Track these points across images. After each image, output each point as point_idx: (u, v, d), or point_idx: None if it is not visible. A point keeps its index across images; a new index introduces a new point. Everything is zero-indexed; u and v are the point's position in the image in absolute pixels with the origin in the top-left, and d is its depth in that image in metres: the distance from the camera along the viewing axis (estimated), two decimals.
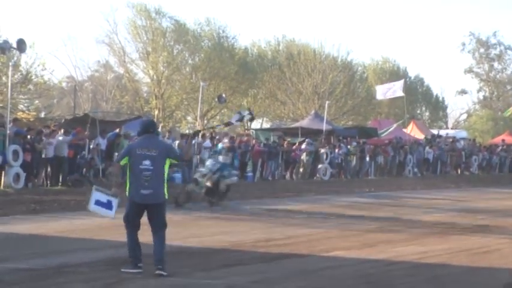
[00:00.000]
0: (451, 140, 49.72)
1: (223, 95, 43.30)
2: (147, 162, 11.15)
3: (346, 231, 17.49)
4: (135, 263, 11.33)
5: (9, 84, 29.49)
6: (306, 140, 39.28)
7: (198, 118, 45.12)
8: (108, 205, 11.58)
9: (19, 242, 14.75)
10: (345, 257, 13.61)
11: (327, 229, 17.95)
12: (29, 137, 27.78)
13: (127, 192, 11.34)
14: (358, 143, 42.13)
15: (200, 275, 11.50)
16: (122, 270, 11.33)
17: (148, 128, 11.61)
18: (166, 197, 11.49)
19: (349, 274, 12.08)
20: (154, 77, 63.62)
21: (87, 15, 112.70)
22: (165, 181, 11.44)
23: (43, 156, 28.04)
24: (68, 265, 11.89)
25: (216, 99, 44.69)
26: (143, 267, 11.33)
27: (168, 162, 11.41)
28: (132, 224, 11.35)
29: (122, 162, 11.39)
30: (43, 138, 28.01)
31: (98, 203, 11.59)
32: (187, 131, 45.92)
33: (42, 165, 28.18)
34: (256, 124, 70.53)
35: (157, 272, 11.12)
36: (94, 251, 13.54)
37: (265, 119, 74.40)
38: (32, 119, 38.51)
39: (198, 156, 32.89)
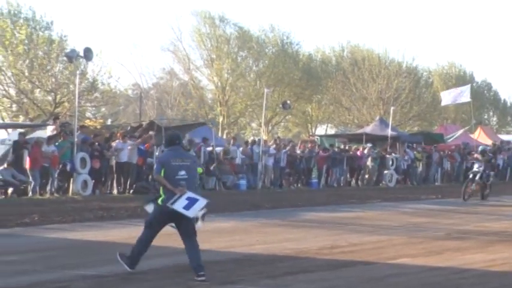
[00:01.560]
0: None
1: (288, 102, 43.41)
2: (182, 172, 11.57)
3: (412, 239, 17.32)
4: (133, 264, 11.79)
5: (77, 92, 29.93)
6: (368, 145, 39.13)
7: (262, 125, 45.21)
8: (194, 201, 11.59)
9: (87, 249, 14.92)
10: (411, 265, 13.46)
11: (393, 236, 17.80)
12: (96, 144, 28.13)
13: (159, 201, 11.63)
14: (424, 149, 41.76)
15: (266, 283, 11.48)
16: (117, 255, 11.91)
17: (175, 140, 12.07)
18: None
19: (415, 282, 11.94)
20: (219, 83, 63.90)
21: (152, 23, 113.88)
22: (197, 188, 11.99)
23: (111, 163, 28.38)
24: (135, 272, 11.96)
25: (281, 106, 44.73)
26: (208, 274, 11.35)
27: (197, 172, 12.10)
28: (153, 230, 11.87)
29: (161, 174, 11.69)
30: (111, 145, 28.36)
31: (189, 199, 11.56)
32: (251, 138, 45.89)
33: (110, 172, 28.52)
34: (320, 130, 70.54)
35: (199, 279, 11.20)
36: (161, 257, 13.59)
37: (329, 125, 74.20)
38: (98, 127, 39.02)
39: (263, 162, 32.95)
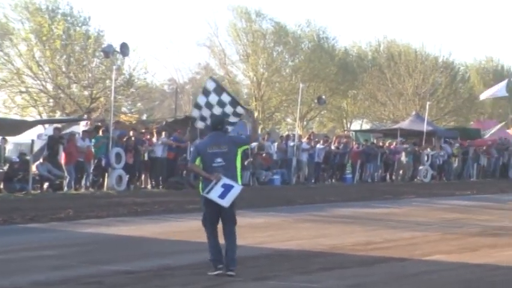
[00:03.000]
0: None
1: (323, 97, 43.33)
2: (219, 159, 11.24)
3: (446, 235, 17.22)
4: (215, 265, 11.32)
5: (113, 87, 30.03)
6: (400, 139, 39.01)
7: (297, 120, 45.12)
8: (229, 187, 11.44)
9: (120, 244, 14.98)
10: (445, 261, 13.36)
11: (427, 232, 17.70)
12: (133, 138, 28.25)
13: (201, 191, 11.35)
14: (461, 144, 41.47)
15: (299, 278, 11.45)
16: (208, 273, 11.32)
17: (217, 125, 11.71)
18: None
19: (449, 279, 11.86)
20: (254, 78, 63.89)
21: (188, 19, 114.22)
22: (239, 174, 11.50)
23: (145, 158, 28.52)
24: (168, 267, 12.01)
25: (316, 101, 44.64)
26: (241, 269, 11.36)
27: (239, 153, 11.49)
28: (210, 226, 11.43)
29: (197, 163, 11.42)
30: (145, 140, 28.48)
31: (225, 185, 11.40)
32: (286, 133, 45.85)
33: (144, 167, 28.65)
34: (355, 125, 70.32)
35: (229, 272, 11.13)
36: (194, 253, 13.62)
37: (364, 120, 73.95)
38: (134, 122, 39.17)
39: (295, 158, 32.88)
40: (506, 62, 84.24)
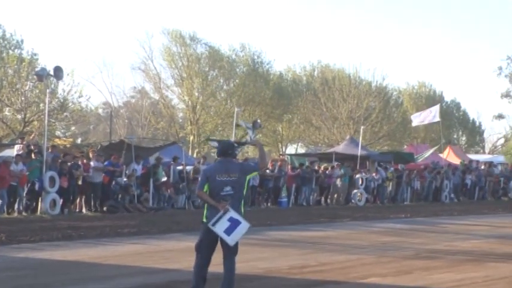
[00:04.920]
0: (487, 165, 49.26)
1: (258, 121, 43.38)
2: (227, 188, 10.85)
3: (382, 258, 17.34)
4: None
5: (46, 111, 29.71)
6: (335, 163, 39.26)
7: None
8: (236, 223, 10.92)
9: (55, 269, 14.77)
10: (381, 284, 13.47)
11: (363, 255, 17.81)
12: (68, 164, 27.95)
13: (204, 218, 11.00)
14: (396, 168, 41.92)
15: None
16: None
17: (227, 150, 11.21)
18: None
19: None
20: (189, 102, 63.93)
21: (122, 42, 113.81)
22: (242, 202, 11.14)
23: (79, 182, 28.24)
24: None
25: (251, 125, 44.75)
26: None
27: (247, 181, 11.14)
28: (204, 254, 11.03)
29: (205, 190, 10.98)
30: (80, 164, 28.23)
31: (231, 220, 10.82)
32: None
33: (78, 191, 28.38)
34: (291, 149, 70.65)
35: None
36: (130, 277, 13.54)
37: (300, 144, 74.39)
38: (68, 145, 38.82)
39: None
40: (438, 87, 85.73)
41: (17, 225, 22.31)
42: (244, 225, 10.91)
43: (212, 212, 10.83)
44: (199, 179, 11.61)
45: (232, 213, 10.79)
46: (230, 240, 10.82)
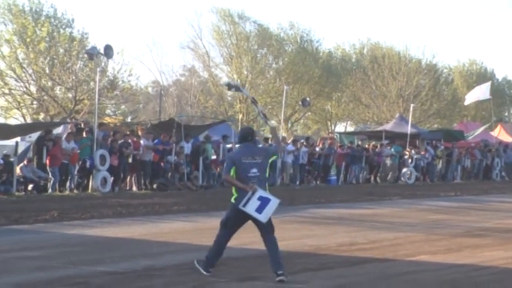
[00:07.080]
0: None
1: (307, 99, 43.32)
2: (254, 169, 11.18)
3: (431, 236, 17.26)
4: (207, 267, 11.32)
5: (97, 89, 29.96)
6: (385, 141, 39.08)
7: (281, 122, 45.15)
8: (266, 201, 11.20)
9: (106, 246, 14.95)
10: (430, 262, 13.41)
11: (412, 233, 17.75)
12: (118, 142, 28.19)
13: (233, 200, 11.24)
14: (445, 146, 41.62)
15: None
16: (195, 262, 11.44)
17: (248, 136, 11.60)
18: None
19: (434, 279, 11.90)
20: (238, 81, 63.93)
21: (171, 21, 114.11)
22: (267, 185, 11.47)
23: (129, 160, 28.49)
24: (154, 268, 12.01)
25: (300, 103, 44.68)
26: (226, 270, 11.37)
27: (268, 164, 11.51)
28: (229, 229, 11.37)
29: (232, 174, 11.29)
30: (130, 142, 28.44)
31: (261, 198, 11.08)
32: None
33: (128, 169, 28.62)
34: (340, 127, 70.46)
35: (278, 278, 10.98)
36: (178, 253, 13.65)
37: (349, 122, 74.10)
38: (118, 124, 39.13)
39: (280, 160, 32.87)
40: (489, 65, 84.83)
41: (68, 203, 22.60)
42: (274, 201, 11.15)
43: (241, 193, 11.11)
44: (225, 164, 11.91)
45: (260, 192, 11.06)
46: (262, 217, 11.04)
